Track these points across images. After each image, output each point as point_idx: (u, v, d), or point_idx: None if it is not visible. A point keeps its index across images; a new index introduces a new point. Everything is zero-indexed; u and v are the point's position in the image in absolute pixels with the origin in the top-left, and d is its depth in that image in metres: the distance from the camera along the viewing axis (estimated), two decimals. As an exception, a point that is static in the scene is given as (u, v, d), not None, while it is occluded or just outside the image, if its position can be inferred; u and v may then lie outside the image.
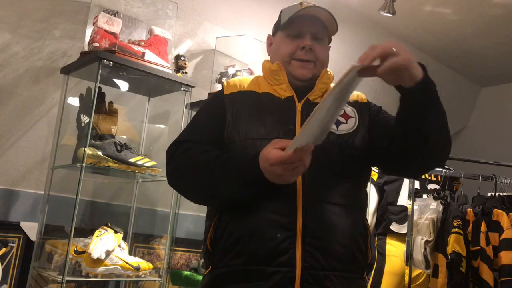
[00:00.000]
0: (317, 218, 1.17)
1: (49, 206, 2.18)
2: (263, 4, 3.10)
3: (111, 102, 2.24)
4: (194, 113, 2.58)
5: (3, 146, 2.21)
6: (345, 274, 1.18)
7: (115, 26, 2.15)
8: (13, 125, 2.23)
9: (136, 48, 2.18)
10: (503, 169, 2.98)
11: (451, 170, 2.87)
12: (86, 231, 2.18)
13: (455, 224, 2.55)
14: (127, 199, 2.50)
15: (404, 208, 2.95)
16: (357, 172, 1.28)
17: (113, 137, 2.15)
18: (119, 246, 2.08)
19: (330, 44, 1.41)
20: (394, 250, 2.96)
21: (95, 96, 2.03)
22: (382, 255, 2.98)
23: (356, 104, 1.35)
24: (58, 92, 2.30)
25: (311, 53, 1.31)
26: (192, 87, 2.34)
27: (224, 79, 2.61)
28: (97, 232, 2.06)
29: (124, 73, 2.21)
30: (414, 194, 2.78)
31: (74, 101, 2.22)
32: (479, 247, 2.49)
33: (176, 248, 2.62)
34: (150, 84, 2.38)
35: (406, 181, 2.99)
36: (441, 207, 2.67)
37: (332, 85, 1.33)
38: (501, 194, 2.80)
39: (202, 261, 2.39)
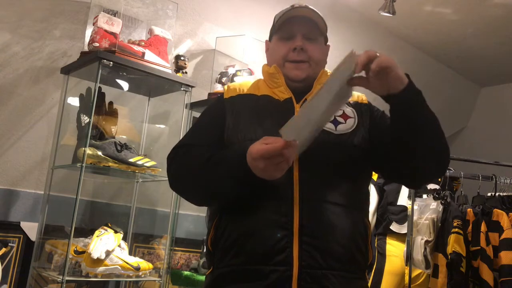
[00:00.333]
0: (315, 217, 1.17)
1: (49, 206, 2.18)
2: (263, 4, 3.10)
3: (111, 102, 2.24)
4: (194, 113, 2.59)
5: (3, 146, 2.21)
6: (344, 273, 1.17)
7: (115, 26, 2.15)
8: (13, 125, 2.23)
9: (136, 48, 2.18)
10: (503, 169, 2.98)
11: (451, 170, 2.87)
12: (86, 231, 2.18)
13: (455, 224, 2.55)
14: (127, 199, 2.50)
15: (404, 208, 2.95)
16: (357, 172, 1.28)
17: (113, 137, 2.15)
18: (119, 246, 2.08)
19: (329, 44, 1.42)
20: (394, 250, 2.96)
21: (95, 96, 2.03)
22: (382, 255, 2.98)
23: (356, 105, 1.35)
24: (58, 92, 2.30)
25: (303, 53, 1.31)
26: (192, 87, 2.34)
27: (224, 79, 2.61)
28: (97, 232, 2.06)
29: (124, 73, 2.22)
30: (414, 194, 2.78)
31: (74, 101, 2.22)
32: (479, 247, 2.49)
33: (176, 248, 2.62)
34: (150, 84, 2.38)
35: (406, 181, 2.99)
36: (441, 207, 2.67)
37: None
38: (501, 194, 2.80)
39: (202, 261, 2.39)
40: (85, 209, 2.37)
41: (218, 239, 1.21)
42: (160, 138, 2.63)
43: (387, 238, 3.01)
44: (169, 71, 2.27)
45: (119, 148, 2.11)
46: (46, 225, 2.17)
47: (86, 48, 2.18)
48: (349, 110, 1.32)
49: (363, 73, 1.10)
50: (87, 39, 2.17)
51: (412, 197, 2.75)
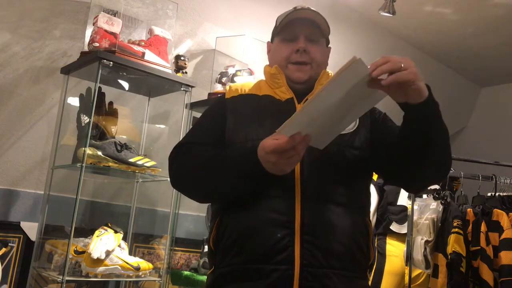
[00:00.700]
0: (316, 216, 1.17)
1: (49, 206, 2.18)
2: (263, 4, 3.10)
3: (111, 102, 2.24)
4: (194, 113, 2.59)
5: (3, 146, 2.21)
6: (345, 272, 1.18)
7: (115, 26, 2.15)
8: (13, 125, 2.23)
9: (136, 48, 2.18)
10: (503, 169, 2.98)
11: (451, 170, 2.87)
12: (86, 231, 2.18)
13: (455, 224, 2.55)
14: (127, 199, 2.50)
15: (404, 208, 2.95)
16: (358, 172, 1.29)
17: (113, 137, 2.15)
18: (119, 246, 2.08)
19: (330, 46, 1.42)
20: (394, 250, 2.96)
21: (95, 96, 2.03)
22: (382, 255, 2.98)
23: None
24: (58, 92, 2.30)
25: (306, 55, 1.31)
26: (192, 87, 2.34)
27: (224, 79, 2.61)
28: (97, 232, 2.06)
29: (124, 73, 2.22)
30: (414, 194, 2.78)
31: (74, 101, 2.22)
32: (479, 247, 2.49)
33: (176, 248, 2.62)
34: (150, 84, 2.38)
35: (406, 181, 2.99)
36: (441, 207, 2.68)
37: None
38: (501, 194, 2.80)
39: (202, 261, 2.39)
40: (85, 209, 2.37)
41: (219, 238, 1.21)
42: (160, 138, 2.63)
43: (387, 238, 3.01)
44: (169, 71, 2.27)
45: (119, 148, 2.11)
46: (46, 225, 2.17)
47: (86, 48, 2.18)
48: None
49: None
50: (87, 39, 2.17)
51: (412, 197, 2.75)
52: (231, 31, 2.98)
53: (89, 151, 2.01)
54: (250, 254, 1.16)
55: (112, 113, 2.23)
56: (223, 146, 1.27)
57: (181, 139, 1.38)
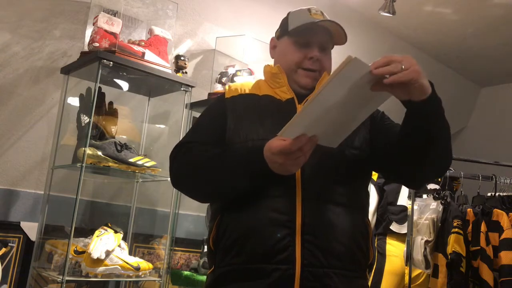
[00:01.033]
0: (316, 216, 1.17)
1: (49, 206, 2.18)
2: (263, 4, 3.10)
3: (111, 102, 2.24)
4: (194, 113, 2.59)
5: (3, 146, 2.21)
6: (345, 272, 1.18)
7: (115, 26, 2.15)
8: (13, 125, 2.23)
9: (136, 48, 2.18)
10: (503, 169, 2.98)
11: (451, 170, 2.87)
12: (86, 231, 2.18)
13: (455, 224, 2.55)
14: (127, 199, 2.50)
15: (404, 208, 2.95)
16: (357, 172, 1.29)
17: (113, 137, 2.15)
18: (119, 246, 2.08)
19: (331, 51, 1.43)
20: (394, 250, 2.96)
21: (95, 96, 2.03)
22: (382, 255, 2.98)
23: None
24: (58, 92, 2.30)
25: (318, 63, 1.32)
26: (192, 87, 2.34)
27: (224, 79, 2.61)
28: (97, 232, 2.06)
29: (124, 73, 2.21)
30: (414, 194, 2.78)
31: (74, 101, 2.22)
32: (479, 247, 2.49)
33: (176, 248, 2.62)
34: (150, 84, 2.38)
35: (406, 181, 2.99)
36: (441, 207, 2.68)
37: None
38: (501, 194, 2.80)
39: (202, 261, 2.39)
40: (85, 209, 2.37)
41: (219, 238, 1.21)
42: (160, 138, 2.63)
43: (387, 238, 3.01)
44: (169, 71, 2.27)
45: (119, 148, 2.11)
46: (46, 225, 2.17)
47: (86, 48, 2.18)
48: None
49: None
50: (87, 39, 2.17)
51: (412, 197, 2.75)
52: (231, 31, 2.98)
53: (89, 151, 2.01)
54: (250, 254, 1.16)
55: (112, 113, 2.23)
56: (223, 145, 1.27)
57: (181, 139, 1.38)
